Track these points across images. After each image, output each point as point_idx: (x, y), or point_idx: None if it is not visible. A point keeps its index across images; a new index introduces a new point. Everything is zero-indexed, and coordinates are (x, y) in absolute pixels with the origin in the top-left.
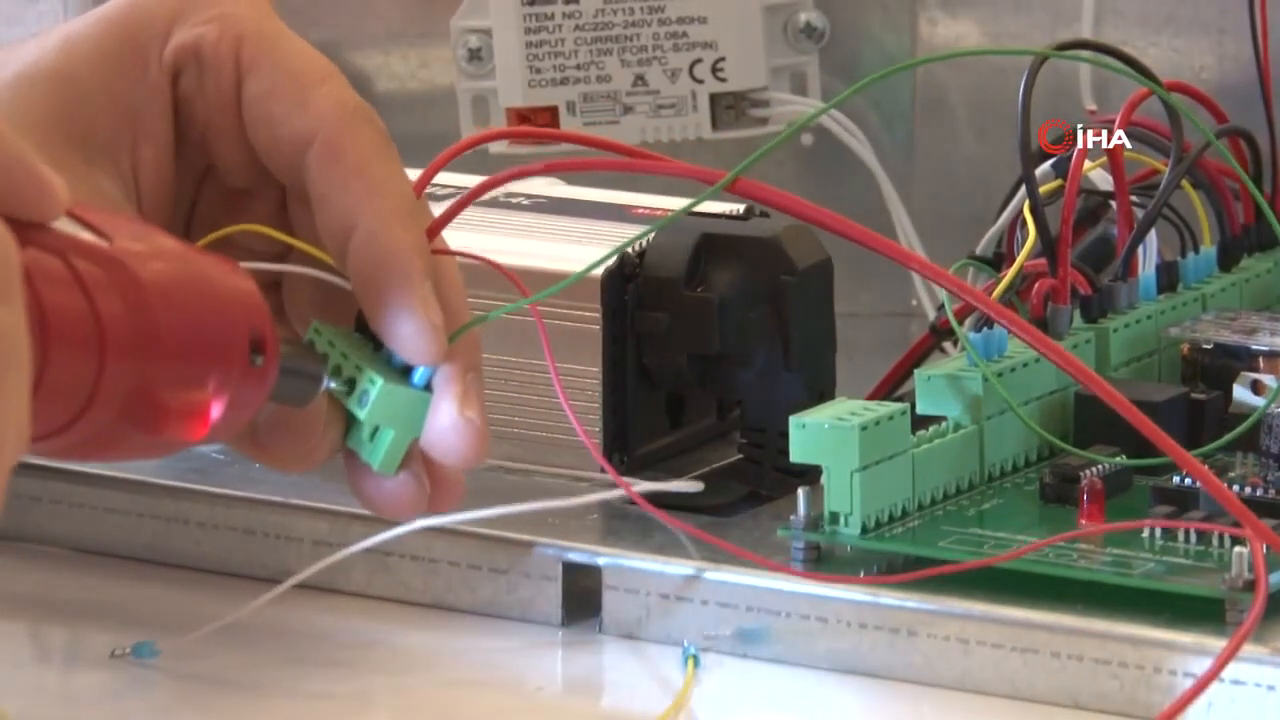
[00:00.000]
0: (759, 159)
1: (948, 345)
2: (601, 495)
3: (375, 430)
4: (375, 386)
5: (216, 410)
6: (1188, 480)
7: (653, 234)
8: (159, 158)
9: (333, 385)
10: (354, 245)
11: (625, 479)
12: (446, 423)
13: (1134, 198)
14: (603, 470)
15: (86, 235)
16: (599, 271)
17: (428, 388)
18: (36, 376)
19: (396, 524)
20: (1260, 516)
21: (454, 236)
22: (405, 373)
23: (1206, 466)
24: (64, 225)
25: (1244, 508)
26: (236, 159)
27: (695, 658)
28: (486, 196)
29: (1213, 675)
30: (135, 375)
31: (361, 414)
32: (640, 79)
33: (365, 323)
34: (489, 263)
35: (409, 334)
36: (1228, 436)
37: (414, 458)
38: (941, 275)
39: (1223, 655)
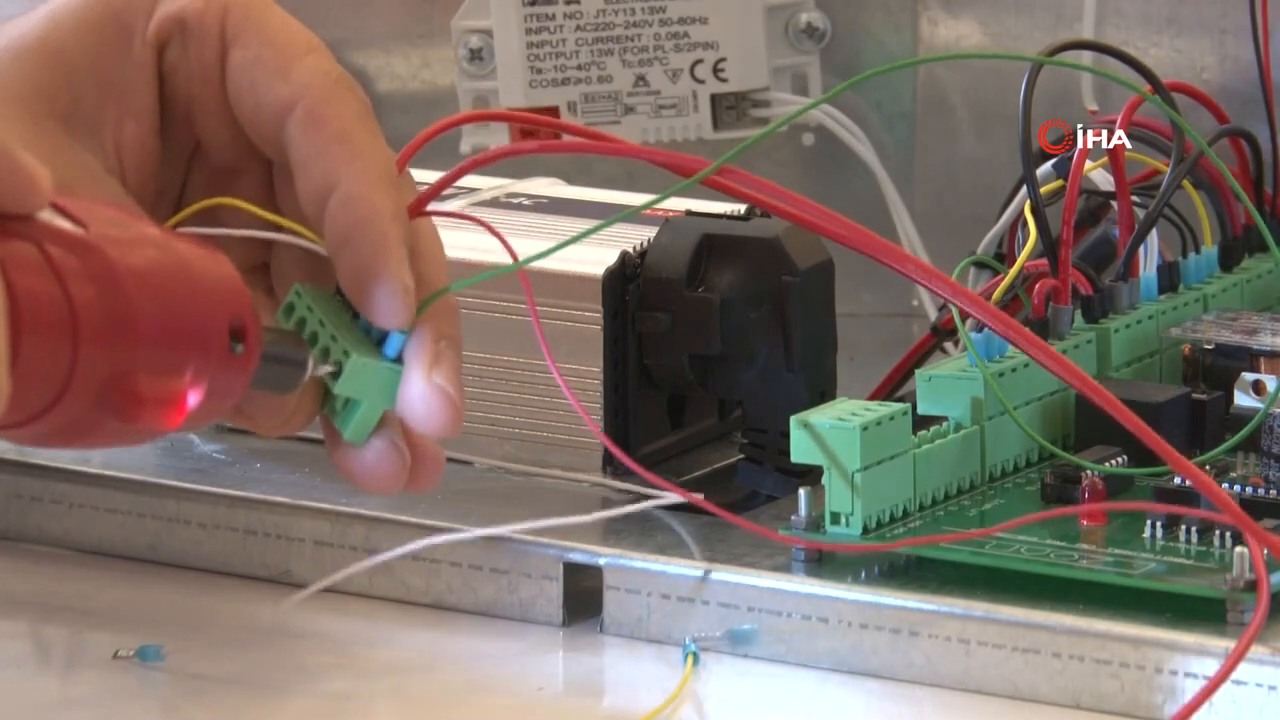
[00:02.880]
0: (738, 154)
1: (949, 345)
2: (609, 514)
3: (347, 400)
4: (347, 360)
5: (194, 398)
6: (1189, 480)
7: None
8: (142, 133)
9: (319, 372)
10: (331, 207)
11: (624, 482)
12: (416, 390)
13: (1135, 198)
14: (603, 472)
15: (63, 223)
16: (599, 272)
17: (400, 359)
18: (10, 363)
19: (417, 535)
20: (1261, 517)
21: (453, 235)
22: (381, 342)
23: (1206, 470)
24: (41, 213)
25: (1242, 513)
26: (221, 133)
27: (695, 654)
28: (488, 196)
29: (1222, 678)
30: (110, 362)
31: (334, 386)
32: (641, 79)
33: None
34: (479, 221)
35: (381, 297)
36: (1230, 441)
37: (392, 430)
38: (937, 276)
39: (1231, 658)
